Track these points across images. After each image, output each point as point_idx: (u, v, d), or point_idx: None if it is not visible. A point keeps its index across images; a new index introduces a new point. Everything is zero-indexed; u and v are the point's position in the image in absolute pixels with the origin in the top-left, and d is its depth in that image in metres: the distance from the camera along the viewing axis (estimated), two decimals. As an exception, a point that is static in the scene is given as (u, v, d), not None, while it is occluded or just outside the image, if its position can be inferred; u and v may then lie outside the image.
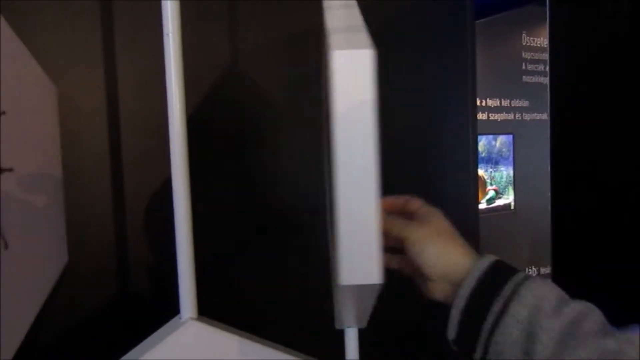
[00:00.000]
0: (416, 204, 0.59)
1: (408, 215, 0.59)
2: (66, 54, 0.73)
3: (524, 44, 3.30)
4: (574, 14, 1.35)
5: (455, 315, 0.50)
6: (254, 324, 0.62)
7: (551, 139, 1.45)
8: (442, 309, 0.53)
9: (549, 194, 1.46)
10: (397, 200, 0.61)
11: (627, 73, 1.25)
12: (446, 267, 0.52)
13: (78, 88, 0.74)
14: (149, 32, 0.77)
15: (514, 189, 3.27)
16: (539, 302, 0.46)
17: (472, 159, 1.34)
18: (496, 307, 0.47)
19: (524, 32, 3.28)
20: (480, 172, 3.11)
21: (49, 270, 0.64)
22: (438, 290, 0.53)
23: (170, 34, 0.54)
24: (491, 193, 3.21)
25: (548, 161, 1.47)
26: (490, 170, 3.23)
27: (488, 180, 3.23)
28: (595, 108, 1.33)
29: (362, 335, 0.60)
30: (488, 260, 0.51)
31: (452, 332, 0.51)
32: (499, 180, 3.26)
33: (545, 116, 3.34)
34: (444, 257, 0.52)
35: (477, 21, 1.35)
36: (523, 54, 3.30)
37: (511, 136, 3.31)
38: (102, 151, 0.75)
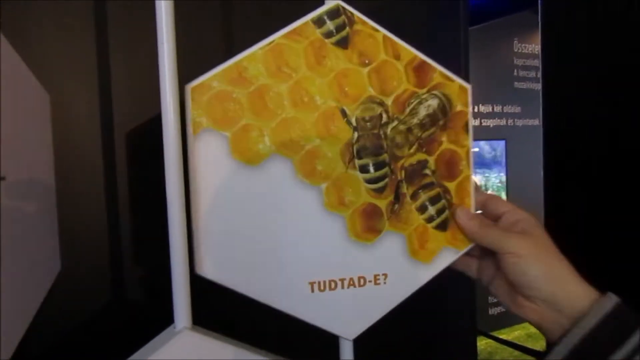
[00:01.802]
0: (503, 206, 0.54)
1: (489, 217, 0.54)
2: (59, 62, 0.73)
3: (516, 50, 3.34)
4: (566, 21, 1.36)
5: (561, 351, 0.45)
6: (249, 334, 0.62)
7: (544, 144, 1.46)
8: (434, 314, 0.53)
9: (541, 199, 1.47)
10: (478, 197, 0.56)
11: (618, 79, 1.26)
12: (556, 294, 0.47)
13: (71, 96, 0.74)
14: (143, 40, 0.77)
15: (507, 194, 3.29)
16: None
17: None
18: (617, 356, 0.42)
19: (515, 38, 3.32)
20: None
21: (41, 279, 0.63)
22: (534, 312, 0.49)
23: (165, 43, 0.54)
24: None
25: (540, 166, 1.48)
26: (487, 174, 3.25)
27: (483, 183, 3.24)
28: (587, 113, 1.34)
29: (357, 344, 0.60)
30: (612, 300, 0.46)
31: None
32: (489, 185, 3.28)
33: (537, 122, 3.38)
34: (555, 281, 0.47)
35: (470, 28, 1.36)
36: (515, 61, 3.34)
37: (503, 142, 3.33)
38: (96, 159, 0.75)
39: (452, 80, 0.55)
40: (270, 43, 0.52)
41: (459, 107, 0.54)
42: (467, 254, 0.57)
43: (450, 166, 0.55)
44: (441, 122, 0.54)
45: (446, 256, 0.56)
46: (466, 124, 0.54)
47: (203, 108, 0.51)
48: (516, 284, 0.49)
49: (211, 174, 0.52)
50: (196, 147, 0.52)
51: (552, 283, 0.47)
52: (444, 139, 0.54)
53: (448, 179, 0.55)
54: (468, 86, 0.55)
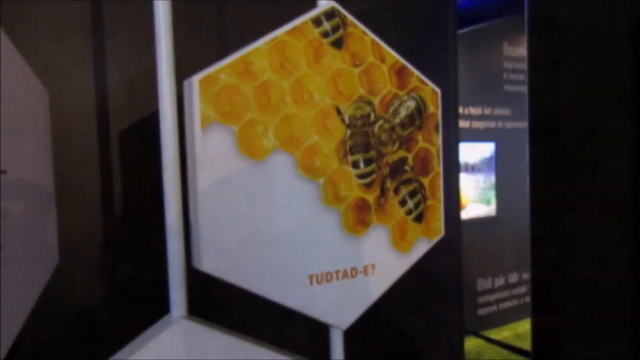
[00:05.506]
0: None
1: None
2: (58, 59, 0.74)
3: (505, 54, 3.38)
4: (552, 25, 1.39)
5: None
6: (244, 323, 0.64)
7: (530, 146, 1.48)
8: (423, 314, 0.55)
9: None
10: None
11: (603, 82, 1.29)
12: None
13: (70, 93, 0.75)
14: (141, 38, 0.79)
15: (497, 196, 3.33)
16: None
17: (454, 165, 1.37)
18: None
19: (505, 42, 3.36)
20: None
21: (40, 271, 0.65)
22: None
23: (162, 42, 0.56)
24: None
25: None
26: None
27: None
28: (572, 116, 1.37)
29: (348, 335, 0.62)
30: None
31: None
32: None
33: (526, 124, 3.39)
34: None
35: (460, 31, 1.39)
36: (504, 64, 3.37)
37: (493, 144, 3.37)
38: (93, 154, 0.76)
39: (426, 84, 0.62)
40: (274, 39, 0.54)
41: (431, 109, 0.62)
42: None
43: (425, 163, 0.62)
44: (417, 122, 0.61)
45: (421, 246, 0.62)
46: (437, 125, 0.62)
47: (211, 101, 0.51)
48: None
49: (217, 169, 0.52)
50: (204, 141, 0.51)
51: None
52: (420, 137, 0.61)
53: (423, 174, 0.63)
54: (438, 90, 0.63)
